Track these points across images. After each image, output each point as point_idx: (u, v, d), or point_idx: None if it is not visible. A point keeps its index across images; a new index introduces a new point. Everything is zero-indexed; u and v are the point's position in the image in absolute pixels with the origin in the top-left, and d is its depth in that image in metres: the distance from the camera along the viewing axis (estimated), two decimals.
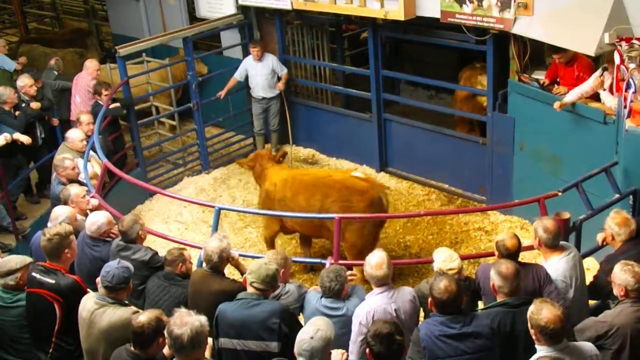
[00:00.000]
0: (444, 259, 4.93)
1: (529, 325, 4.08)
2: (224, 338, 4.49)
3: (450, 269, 4.84)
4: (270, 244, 8.02)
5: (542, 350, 4.02)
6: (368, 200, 7.07)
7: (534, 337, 4.06)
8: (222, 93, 10.27)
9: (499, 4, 7.54)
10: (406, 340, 4.22)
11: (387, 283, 4.75)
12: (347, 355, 4.35)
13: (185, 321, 3.89)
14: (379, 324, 4.03)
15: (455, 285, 4.28)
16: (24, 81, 8.93)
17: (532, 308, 4.07)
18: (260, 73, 10.16)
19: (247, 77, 10.31)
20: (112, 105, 9.18)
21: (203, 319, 3.99)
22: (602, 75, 7.03)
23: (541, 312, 3.98)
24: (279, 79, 10.31)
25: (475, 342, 4.19)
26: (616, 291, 4.56)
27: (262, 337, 4.46)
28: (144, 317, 4.15)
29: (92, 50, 13.74)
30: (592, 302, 5.48)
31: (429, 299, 4.37)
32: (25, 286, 5.11)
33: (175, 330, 3.86)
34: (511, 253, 4.95)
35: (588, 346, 4.19)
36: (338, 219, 6.04)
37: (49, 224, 5.69)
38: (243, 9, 10.47)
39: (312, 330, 3.89)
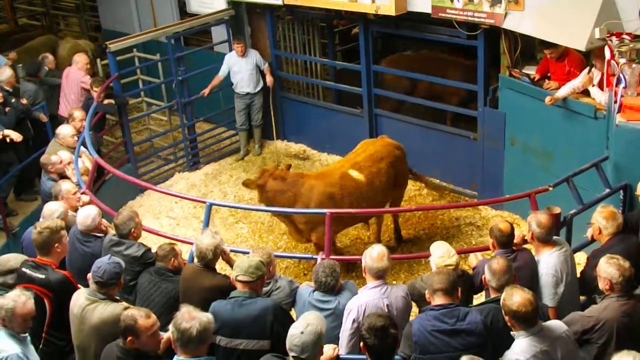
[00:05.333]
0: (442, 255, 4.95)
1: (503, 312, 4.14)
2: (218, 336, 4.48)
3: (449, 265, 4.87)
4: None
5: (519, 336, 4.08)
6: (400, 148, 7.93)
7: (509, 324, 4.12)
8: (206, 91, 10.26)
9: None
10: (398, 336, 4.23)
11: (383, 277, 4.78)
12: (339, 350, 4.36)
13: (194, 316, 3.93)
14: (373, 317, 4.04)
15: (450, 271, 4.44)
16: (5, 74, 8.88)
17: (503, 296, 4.15)
18: (244, 69, 10.15)
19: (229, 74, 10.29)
20: (106, 101, 9.16)
21: (210, 316, 4.05)
22: (590, 72, 7.07)
23: (512, 297, 4.06)
24: (262, 73, 10.30)
25: (467, 339, 4.21)
26: (601, 285, 4.60)
27: (255, 335, 4.47)
28: (132, 312, 4.18)
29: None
30: (581, 298, 5.51)
31: (426, 292, 4.39)
32: None
33: (184, 324, 3.88)
34: (505, 235, 5.08)
35: (558, 324, 4.27)
36: (328, 214, 6.04)
37: (41, 219, 5.65)
38: (234, 4, 10.45)
39: (302, 325, 3.89)
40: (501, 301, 4.13)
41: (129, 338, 4.13)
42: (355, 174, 7.38)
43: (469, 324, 4.23)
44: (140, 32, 10.59)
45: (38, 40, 12.76)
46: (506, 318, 4.11)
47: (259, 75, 10.30)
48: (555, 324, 4.25)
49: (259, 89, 10.33)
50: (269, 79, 10.25)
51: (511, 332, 4.12)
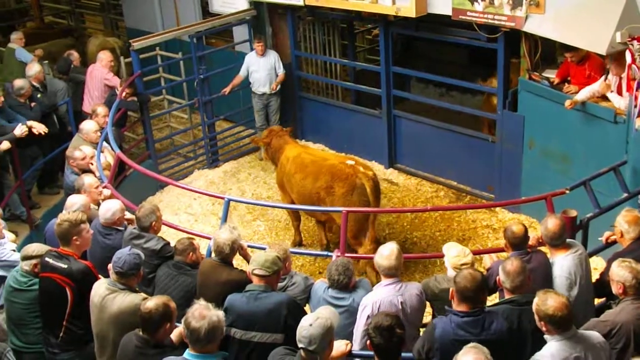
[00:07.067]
0: (457, 254, 4.96)
1: (536, 317, 4.11)
2: (233, 328, 4.55)
3: (464, 264, 4.89)
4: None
5: (552, 339, 4.06)
6: (348, 186, 7.34)
7: (543, 328, 4.09)
8: (227, 90, 10.36)
9: (510, 1, 7.56)
10: (408, 333, 4.25)
11: (395, 275, 4.81)
12: (352, 346, 4.40)
13: (204, 315, 3.95)
14: (380, 316, 4.06)
15: (479, 274, 4.32)
16: (35, 69, 9.06)
17: (536, 300, 4.11)
18: (262, 68, 10.21)
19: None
20: (128, 99, 9.30)
21: (220, 314, 4.07)
22: (607, 79, 7.05)
23: (547, 302, 4.03)
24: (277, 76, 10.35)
25: (491, 348, 4.09)
26: (615, 289, 4.57)
27: (269, 328, 4.53)
28: (152, 302, 4.24)
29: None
30: (597, 301, 5.50)
31: (451, 289, 4.35)
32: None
33: (194, 323, 3.92)
34: (516, 237, 5.06)
35: (595, 335, 4.22)
36: (345, 212, 6.10)
37: (63, 212, 5.77)
38: (256, 5, 10.54)
39: (312, 318, 3.94)
40: (534, 306, 4.11)
41: (168, 325, 4.24)
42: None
43: (494, 333, 4.19)
44: (163, 31, 10.72)
45: (51, 43, 12.89)
46: (541, 323, 4.08)
47: (276, 76, 10.34)
48: (592, 334, 4.20)
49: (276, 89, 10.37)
50: (274, 86, 10.24)
51: (544, 336, 4.10)
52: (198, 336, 3.92)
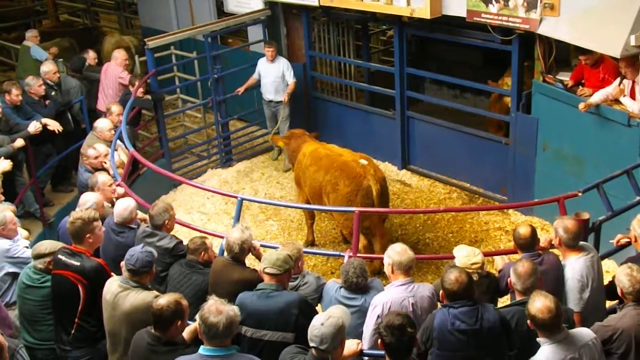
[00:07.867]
0: (467, 254, 4.98)
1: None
2: (244, 327, 4.57)
3: (474, 264, 4.91)
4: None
5: (545, 343, 4.08)
6: (354, 186, 7.31)
7: (532, 328, 4.13)
8: (241, 89, 10.35)
9: (525, 4, 7.54)
10: (415, 335, 4.27)
11: (409, 275, 4.81)
12: (363, 345, 4.42)
13: (221, 310, 3.96)
14: (391, 315, 4.08)
15: (465, 275, 4.35)
16: (48, 67, 9.15)
17: (528, 301, 4.14)
18: (270, 74, 10.08)
19: None
20: (143, 97, 9.37)
21: (236, 308, 4.07)
22: (620, 83, 7.02)
23: (534, 302, 4.06)
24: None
25: (486, 338, 4.24)
26: (619, 293, 4.58)
27: (280, 327, 4.55)
28: (164, 300, 4.26)
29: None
30: (610, 303, 5.47)
31: (440, 291, 4.43)
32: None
33: (211, 318, 3.93)
34: (523, 239, 5.08)
35: (586, 332, 4.24)
36: (357, 212, 6.11)
37: (77, 209, 5.81)
38: (270, 5, 10.57)
39: (323, 317, 3.96)
40: (526, 307, 4.15)
41: (180, 322, 4.25)
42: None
43: (487, 322, 4.27)
44: (178, 30, 10.78)
45: (51, 43, 12.96)
46: (529, 322, 4.13)
47: (285, 85, 10.13)
48: (583, 332, 4.23)
49: (282, 97, 10.13)
50: (285, 97, 10.01)
51: (537, 339, 4.13)
52: (217, 331, 3.92)
